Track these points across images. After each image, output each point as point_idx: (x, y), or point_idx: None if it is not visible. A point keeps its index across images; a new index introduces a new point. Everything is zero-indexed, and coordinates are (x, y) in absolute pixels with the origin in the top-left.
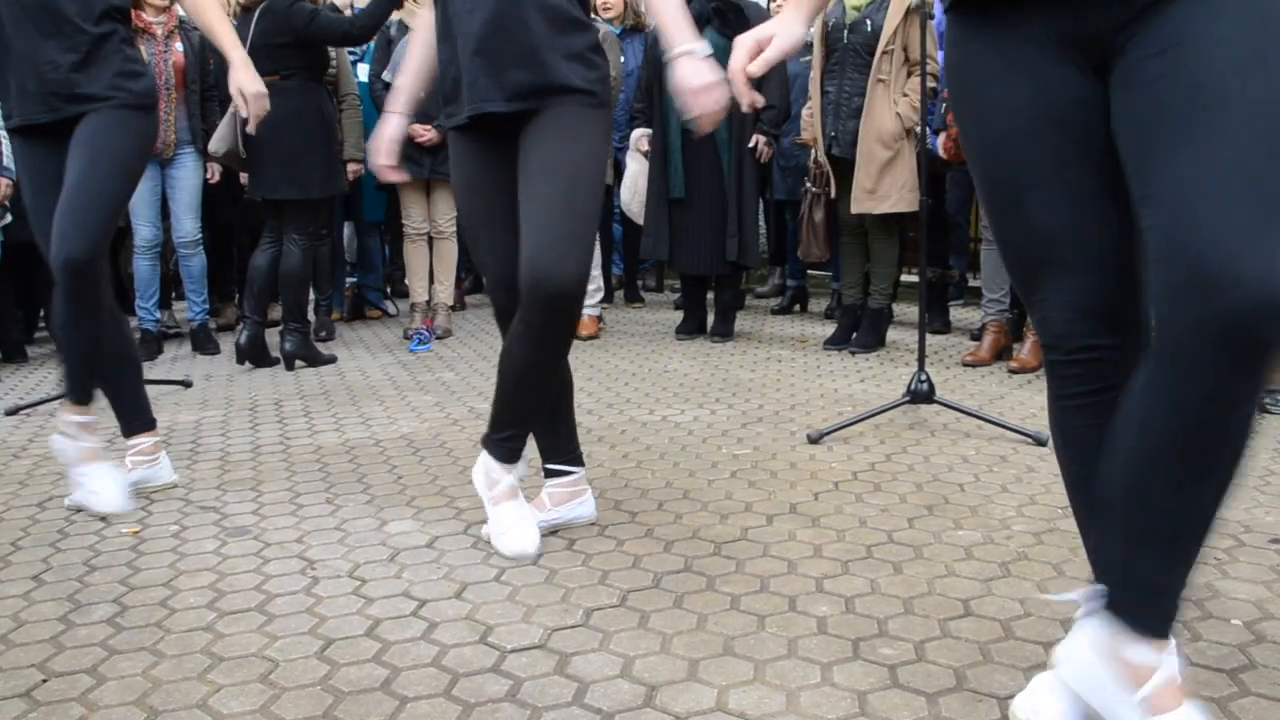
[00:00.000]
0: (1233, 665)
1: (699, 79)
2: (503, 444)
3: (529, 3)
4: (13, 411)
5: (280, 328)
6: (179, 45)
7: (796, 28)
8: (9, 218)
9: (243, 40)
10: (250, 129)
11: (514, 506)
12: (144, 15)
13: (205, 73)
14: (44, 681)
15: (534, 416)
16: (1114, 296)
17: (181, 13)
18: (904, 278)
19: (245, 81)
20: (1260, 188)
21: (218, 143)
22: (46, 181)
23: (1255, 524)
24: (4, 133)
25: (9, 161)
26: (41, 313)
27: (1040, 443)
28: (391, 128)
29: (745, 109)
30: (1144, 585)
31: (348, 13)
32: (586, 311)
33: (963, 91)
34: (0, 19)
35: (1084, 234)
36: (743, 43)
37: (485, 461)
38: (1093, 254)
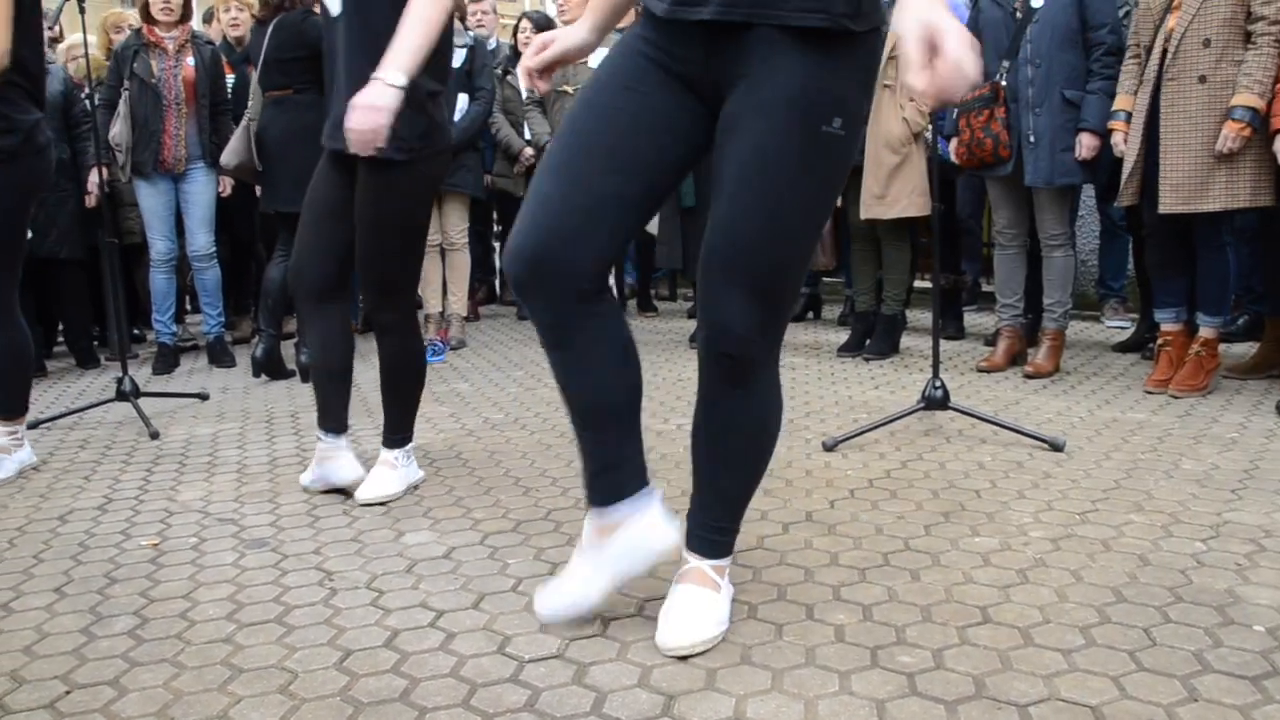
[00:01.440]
0: (1256, 672)
1: (365, 97)
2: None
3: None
4: (33, 425)
5: (296, 340)
6: (190, 59)
7: (577, 33)
8: (29, 234)
9: (255, 54)
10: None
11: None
12: (155, 30)
13: (216, 87)
14: (67, 693)
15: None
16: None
17: (195, 27)
18: (917, 284)
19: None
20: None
21: (230, 156)
22: None
23: (1275, 528)
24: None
25: None
26: (60, 327)
27: (1057, 448)
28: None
29: (524, 93)
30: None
31: None
32: None
33: (605, 67)
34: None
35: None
36: (533, 42)
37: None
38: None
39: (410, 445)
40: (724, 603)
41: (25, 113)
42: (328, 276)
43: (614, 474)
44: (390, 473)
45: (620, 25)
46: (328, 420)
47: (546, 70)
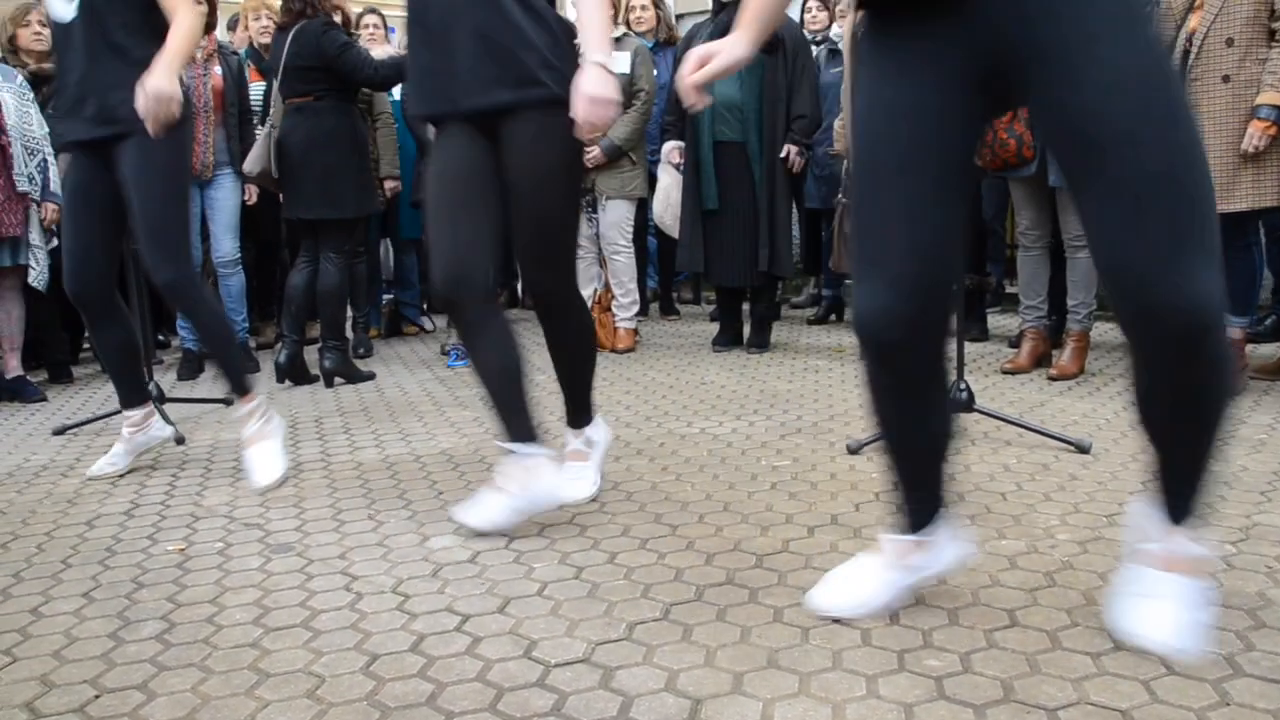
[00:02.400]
0: None
1: (594, 87)
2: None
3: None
4: (60, 431)
5: (319, 346)
6: (217, 69)
7: (739, 49)
8: (55, 241)
9: (276, 60)
10: (151, 131)
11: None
12: None
13: (243, 95)
14: (96, 697)
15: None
16: (911, 299)
17: (220, 37)
18: None
19: (153, 79)
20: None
21: (252, 163)
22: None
23: None
24: (51, 157)
25: (55, 186)
26: (86, 334)
27: (1083, 450)
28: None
29: (687, 108)
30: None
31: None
32: (622, 325)
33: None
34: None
35: (905, 232)
36: (691, 55)
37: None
38: (905, 252)
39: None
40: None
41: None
42: (492, 272)
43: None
44: (585, 468)
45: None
46: (522, 429)
47: (704, 85)
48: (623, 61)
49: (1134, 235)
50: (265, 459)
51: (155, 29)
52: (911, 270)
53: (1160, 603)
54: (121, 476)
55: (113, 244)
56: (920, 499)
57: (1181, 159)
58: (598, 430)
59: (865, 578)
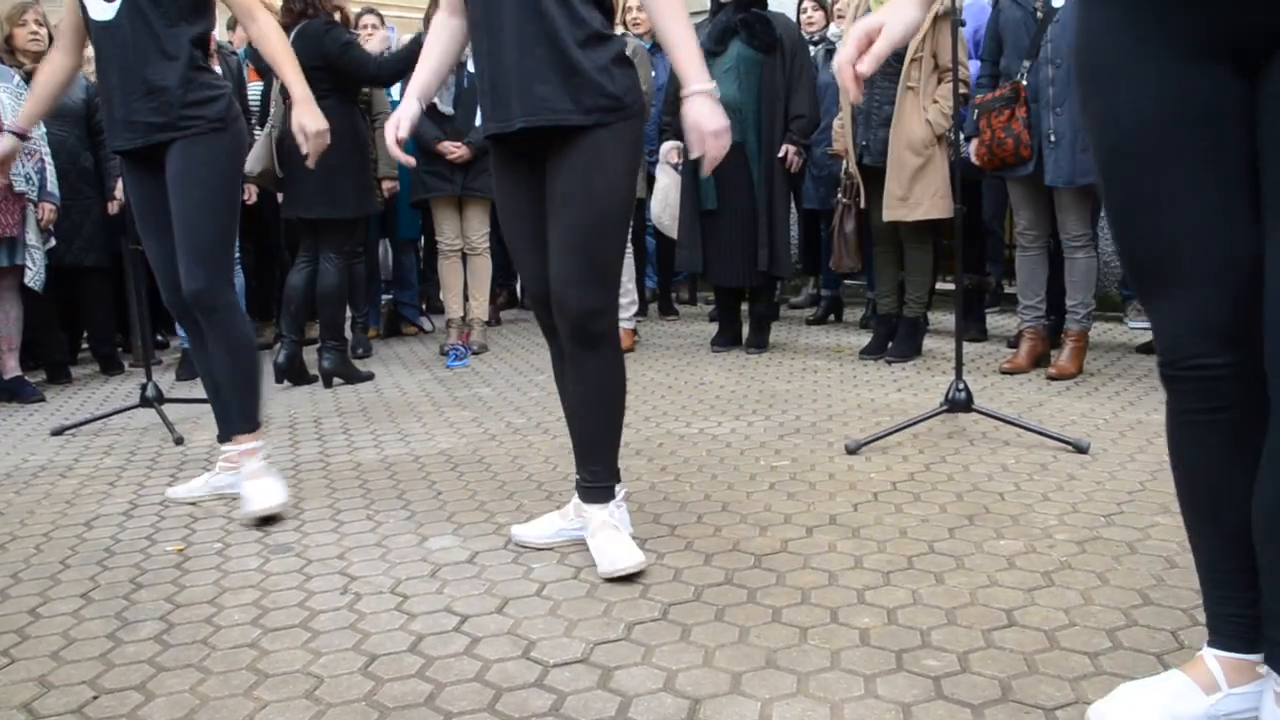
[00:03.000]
0: None
1: (714, 122)
2: (591, 489)
3: (553, 16)
4: (58, 432)
5: (318, 346)
6: (216, 68)
7: (909, 11)
8: (53, 241)
9: None
10: (310, 164)
11: (611, 534)
12: None
13: (242, 95)
14: (95, 698)
15: (607, 446)
16: (1234, 314)
17: (219, 38)
18: (939, 286)
19: (307, 119)
20: None
21: (253, 163)
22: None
23: None
24: (49, 157)
25: (52, 186)
26: (84, 333)
27: (1082, 450)
28: (405, 109)
29: (853, 101)
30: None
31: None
32: (621, 324)
33: (1089, 80)
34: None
35: (1207, 248)
36: (852, 35)
37: (576, 507)
38: (1213, 270)
39: (621, 493)
40: None
41: (223, 83)
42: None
43: None
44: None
45: None
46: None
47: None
48: None
49: None
50: (266, 489)
51: (193, 23)
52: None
53: None
54: (119, 476)
55: None
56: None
57: None
58: (623, 514)
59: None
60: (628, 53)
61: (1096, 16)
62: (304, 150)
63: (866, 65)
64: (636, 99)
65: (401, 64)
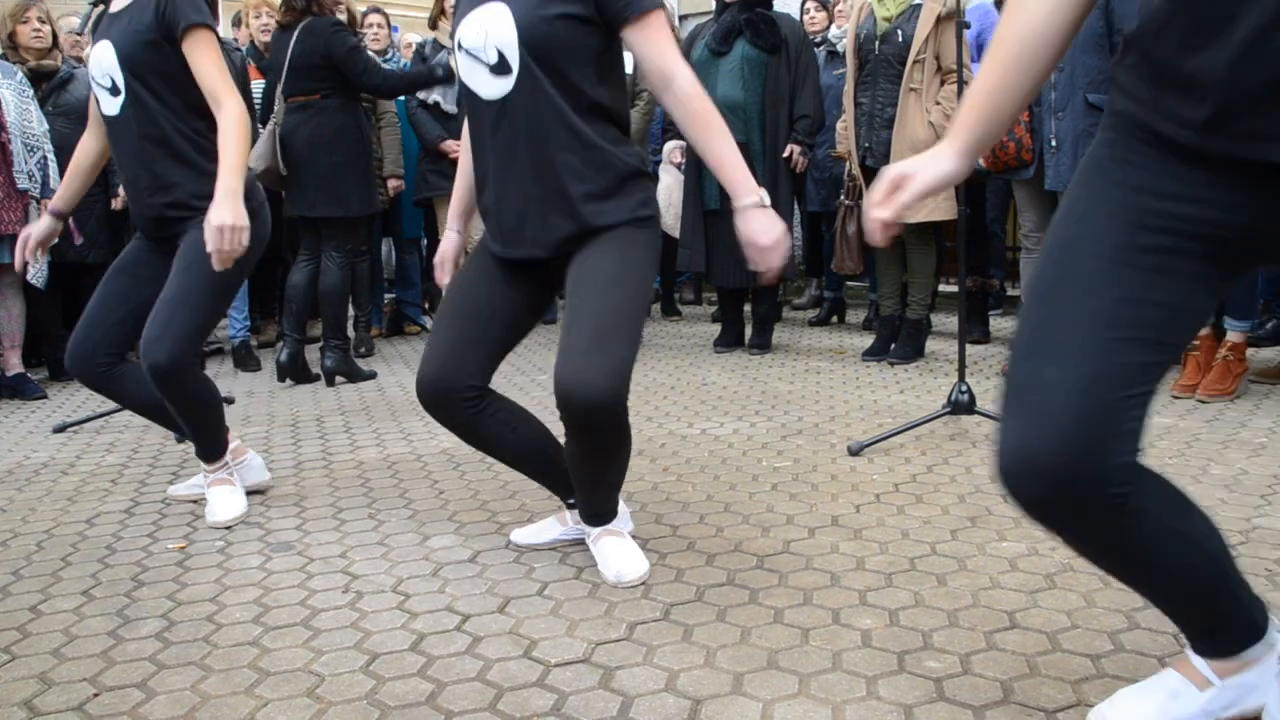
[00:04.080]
0: None
1: (770, 236)
2: (592, 516)
3: (558, 144)
4: (60, 429)
5: (320, 345)
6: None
7: (944, 165)
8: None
9: (280, 59)
10: (216, 266)
11: (613, 541)
12: None
13: (244, 94)
14: (95, 695)
15: (609, 489)
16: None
17: (223, 34)
18: (942, 288)
19: (223, 213)
20: None
21: (256, 160)
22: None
23: None
24: (51, 154)
25: (55, 184)
26: None
27: None
28: (449, 245)
29: (878, 243)
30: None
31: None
32: None
33: (1080, 192)
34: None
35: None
36: (882, 179)
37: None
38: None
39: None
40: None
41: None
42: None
43: None
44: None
45: None
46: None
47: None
48: (626, 62)
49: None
50: (226, 498)
51: (199, 112)
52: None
53: None
54: (121, 474)
55: (127, 330)
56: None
57: None
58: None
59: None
60: (630, 52)
61: (1118, 143)
62: (208, 248)
63: (892, 213)
64: (651, 209)
65: (407, 86)
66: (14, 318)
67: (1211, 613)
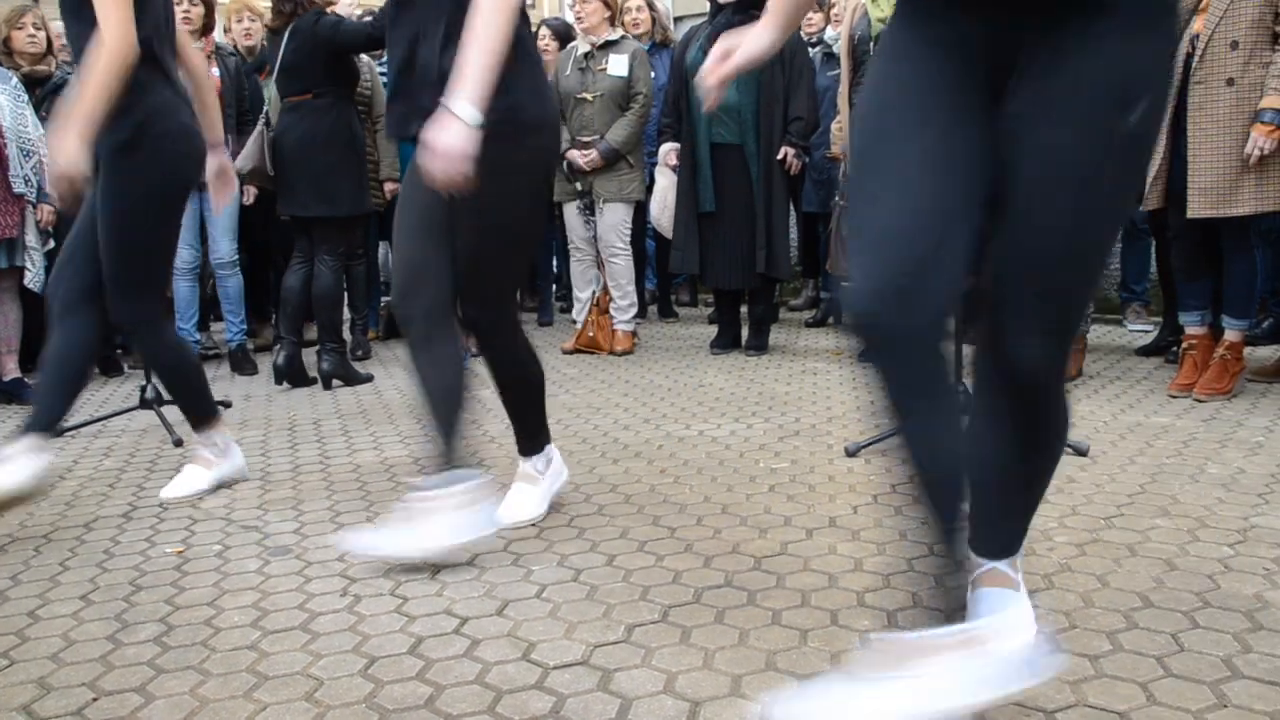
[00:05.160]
0: None
1: (446, 142)
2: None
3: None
4: (58, 434)
5: (317, 348)
6: (215, 71)
7: (763, 38)
8: (53, 243)
9: (274, 61)
10: (53, 207)
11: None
12: None
13: (241, 97)
14: (94, 700)
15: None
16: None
17: (219, 39)
18: None
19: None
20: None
21: (245, 160)
22: None
23: None
24: (46, 160)
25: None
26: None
27: (1081, 453)
28: None
29: (706, 110)
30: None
31: None
32: (621, 327)
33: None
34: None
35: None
36: (714, 50)
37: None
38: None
39: (548, 447)
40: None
41: (146, 95)
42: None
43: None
44: (530, 489)
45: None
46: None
47: (725, 83)
48: (620, 64)
49: (1013, 288)
50: (191, 477)
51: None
52: (916, 248)
53: None
54: (119, 478)
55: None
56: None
57: (1084, 250)
58: (551, 462)
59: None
60: (626, 55)
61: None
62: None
63: (721, 75)
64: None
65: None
66: (11, 323)
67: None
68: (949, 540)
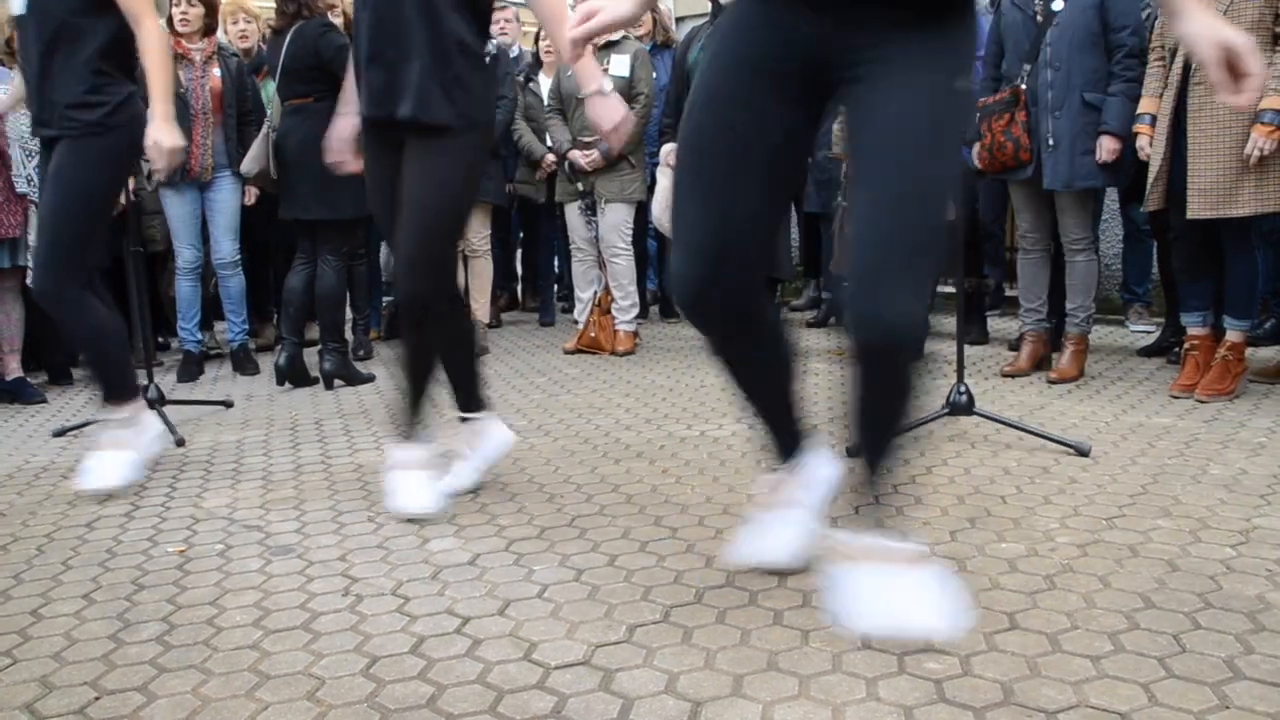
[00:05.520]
0: None
1: (611, 120)
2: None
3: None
4: (60, 433)
5: (319, 348)
6: (216, 70)
7: (624, 4)
8: None
9: (274, 63)
10: (161, 179)
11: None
12: (182, 42)
13: (243, 97)
14: (96, 699)
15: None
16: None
17: (221, 38)
18: (939, 288)
19: (163, 135)
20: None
21: (250, 163)
22: None
23: None
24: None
25: None
26: None
27: (1083, 453)
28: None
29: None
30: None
31: None
32: (623, 327)
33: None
34: None
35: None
36: (578, 10)
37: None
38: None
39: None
40: None
41: (121, 89)
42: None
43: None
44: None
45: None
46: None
47: (587, 40)
48: (622, 65)
49: (872, 242)
50: (109, 466)
51: (106, 24)
52: (713, 241)
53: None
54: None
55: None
56: (780, 430)
57: (925, 196)
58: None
59: (768, 530)
60: (628, 55)
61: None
62: (154, 165)
63: (579, 32)
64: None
65: None
66: (13, 322)
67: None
68: (784, 454)
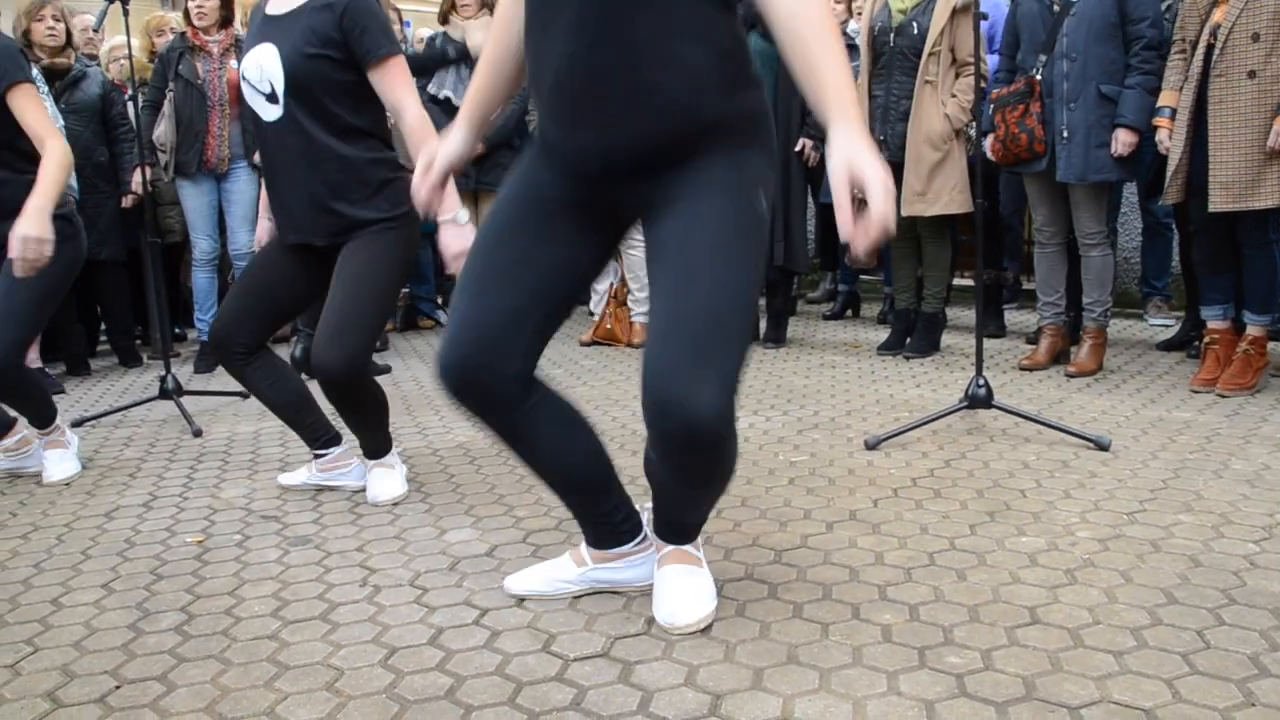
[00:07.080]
0: None
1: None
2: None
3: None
4: (78, 423)
5: None
6: (233, 62)
7: (457, 142)
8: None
9: None
10: (18, 273)
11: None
12: (200, 34)
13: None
14: (117, 688)
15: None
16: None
17: (238, 30)
18: (957, 281)
19: (24, 226)
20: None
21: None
22: None
23: None
24: None
25: (72, 180)
26: (103, 326)
27: (1103, 447)
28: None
29: (421, 212)
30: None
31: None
32: (639, 319)
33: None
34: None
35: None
36: (419, 165)
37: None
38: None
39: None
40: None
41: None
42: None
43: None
44: (390, 472)
45: None
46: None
47: (441, 186)
48: None
49: (666, 344)
50: (60, 462)
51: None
52: (474, 335)
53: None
54: (139, 468)
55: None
56: (585, 517)
57: (724, 291)
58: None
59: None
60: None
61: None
62: (11, 254)
63: (430, 182)
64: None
65: (419, 66)
66: None
67: (588, 509)
68: (579, 515)
